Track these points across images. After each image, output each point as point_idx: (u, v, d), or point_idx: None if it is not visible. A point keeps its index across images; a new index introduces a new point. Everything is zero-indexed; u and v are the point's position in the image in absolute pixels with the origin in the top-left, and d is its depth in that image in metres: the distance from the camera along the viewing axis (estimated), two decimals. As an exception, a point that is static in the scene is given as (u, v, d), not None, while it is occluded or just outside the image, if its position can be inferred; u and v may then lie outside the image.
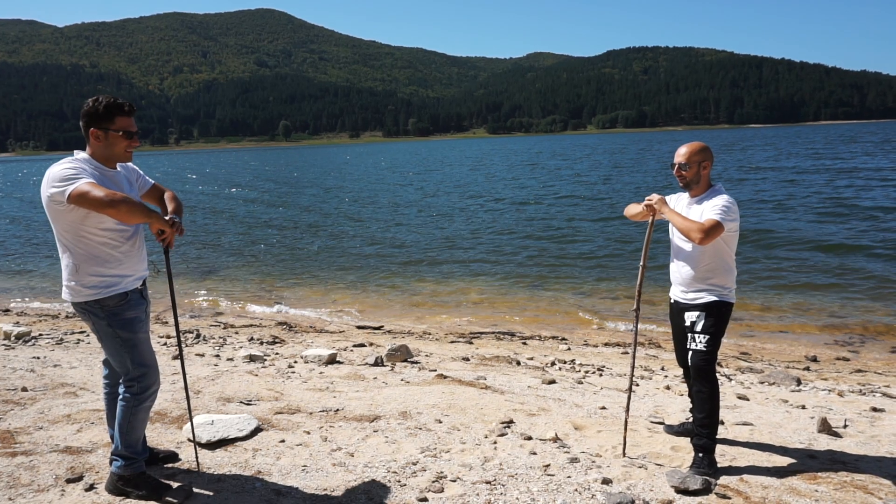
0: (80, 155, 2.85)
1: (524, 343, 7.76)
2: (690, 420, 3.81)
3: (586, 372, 5.99)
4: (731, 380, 5.77)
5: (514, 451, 3.63)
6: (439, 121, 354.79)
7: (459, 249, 14.73)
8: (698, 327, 3.43)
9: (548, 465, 3.41)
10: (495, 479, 3.24)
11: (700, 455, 3.38)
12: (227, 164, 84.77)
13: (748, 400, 4.90)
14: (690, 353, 3.46)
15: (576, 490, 3.14)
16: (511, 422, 4.10)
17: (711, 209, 3.36)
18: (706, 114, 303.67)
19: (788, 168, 34.74)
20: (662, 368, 6.24)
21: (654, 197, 3.53)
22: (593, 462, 3.48)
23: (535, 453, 3.58)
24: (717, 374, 5.92)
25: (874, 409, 4.69)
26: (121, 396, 2.99)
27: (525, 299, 10.22)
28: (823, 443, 3.87)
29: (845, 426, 4.21)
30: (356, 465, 3.42)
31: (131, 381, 2.96)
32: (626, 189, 27.51)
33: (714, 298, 3.44)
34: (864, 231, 14.55)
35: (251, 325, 8.93)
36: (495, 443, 3.75)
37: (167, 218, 2.93)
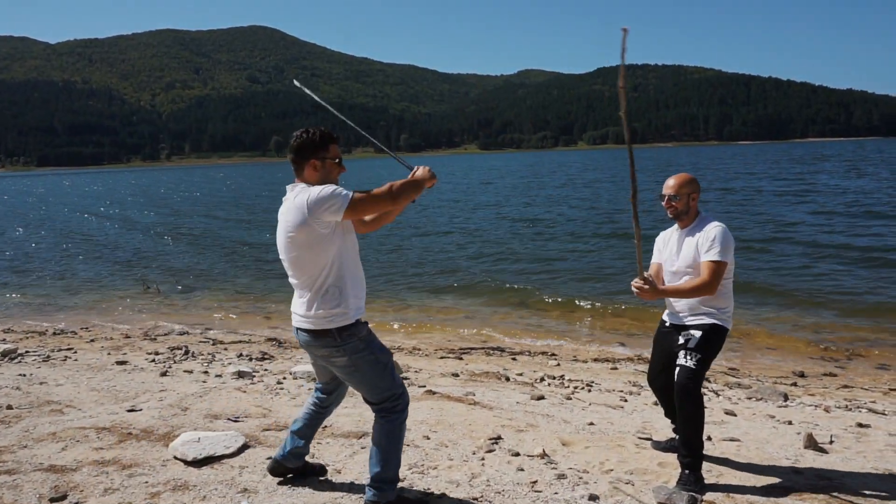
0: (303, 184, 2.88)
1: (514, 359, 7.76)
2: (674, 437, 3.82)
3: (575, 388, 6.00)
4: (718, 395, 5.79)
5: (501, 467, 3.63)
6: (431, 137, 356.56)
7: (453, 265, 14.75)
8: (691, 344, 3.43)
9: (535, 482, 3.41)
10: (482, 496, 3.24)
11: (686, 472, 3.36)
12: (217, 179, 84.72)
13: (735, 415, 4.92)
14: (678, 369, 3.42)
15: (563, 506, 3.14)
16: (499, 438, 4.10)
17: (706, 246, 3.41)
18: (696, 130, 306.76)
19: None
20: (651, 384, 6.26)
21: (644, 290, 3.45)
22: (580, 478, 3.48)
23: (522, 469, 3.58)
24: (705, 390, 5.96)
25: (860, 425, 4.72)
26: (387, 418, 2.96)
27: (516, 315, 10.23)
28: (809, 459, 3.89)
29: (831, 442, 4.24)
30: (343, 481, 3.41)
31: (398, 399, 2.97)
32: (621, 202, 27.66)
33: (712, 321, 3.47)
34: (854, 245, 14.69)
35: (240, 342, 8.89)
36: (483, 459, 3.75)
37: (418, 173, 3.02)
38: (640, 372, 7.01)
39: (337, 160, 2.93)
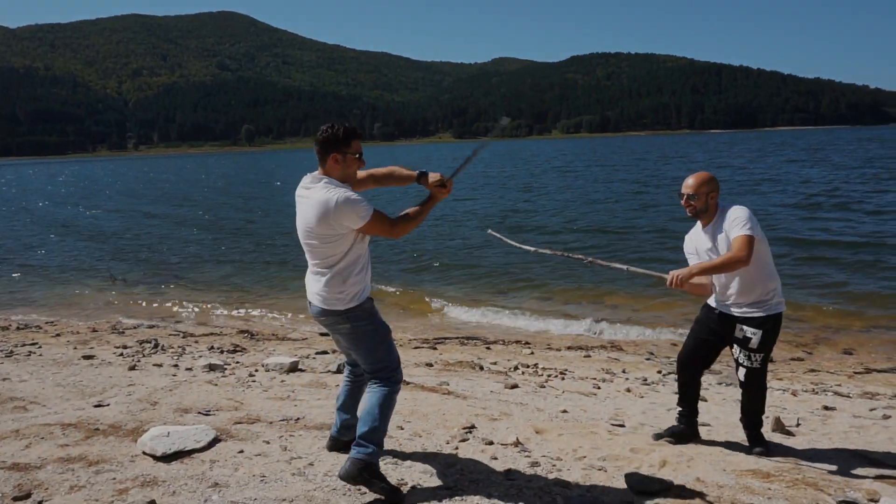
0: (325, 177, 3.07)
1: (488, 348, 7.79)
2: (677, 424, 4.00)
3: (549, 376, 6.04)
4: (689, 381, 5.87)
5: (475, 456, 3.63)
6: (405, 125, 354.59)
7: (427, 254, 14.72)
8: (753, 344, 3.53)
9: (509, 470, 3.42)
10: (456, 485, 3.24)
11: (754, 434, 3.80)
12: (189, 168, 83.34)
13: (706, 401, 5.00)
14: (744, 370, 3.63)
15: (536, 494, 3.16)
16: (473, 427, 4.10)
17: (733, 226, 3.43)
18: (668, 119, 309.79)
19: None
20: (623, 371, 6.33)
21: (675, 279, 3.47)
22: (554, 465, 3.50)
23: (496, 458, 3.59)
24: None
25: (825, 408, 4.84)
26: (380, 385, 3.20)
27: (491, 303, 10.25)
28: (777, 442, 3.96)
29: (798, 425, 4.33)
30: (316, 474, 3.37)
31: (392, 371, 3.23)
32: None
33: (766, 313, 3.55)
34: (827, 229, 14.99)
35: (212, 334, 8.77)
36: (457, 448, 3.74)
37: (435, 184, 3.24)
38: (612, 359, 7.09)
39: (357, 155, 3.10)
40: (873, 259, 12.03)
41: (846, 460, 3.66)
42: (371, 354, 3.21)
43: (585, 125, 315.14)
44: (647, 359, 7.10)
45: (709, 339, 3.76)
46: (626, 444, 3.86)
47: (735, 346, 3.63)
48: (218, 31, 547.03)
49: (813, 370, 6.69)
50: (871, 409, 4.86)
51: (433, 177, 3.25)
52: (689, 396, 3.95)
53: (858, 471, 3.51)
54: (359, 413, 3.26)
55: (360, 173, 3.28)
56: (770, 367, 6.79)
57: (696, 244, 3.74)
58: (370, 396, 3.20)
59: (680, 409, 4.00)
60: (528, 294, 10.71)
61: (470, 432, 4.01)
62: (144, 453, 3.57)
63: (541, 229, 18.16)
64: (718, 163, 46.57)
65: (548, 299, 10.36)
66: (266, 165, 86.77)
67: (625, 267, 3.96)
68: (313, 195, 3.01)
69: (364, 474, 3.04)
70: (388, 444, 3.78)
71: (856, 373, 6.57)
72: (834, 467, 3.56)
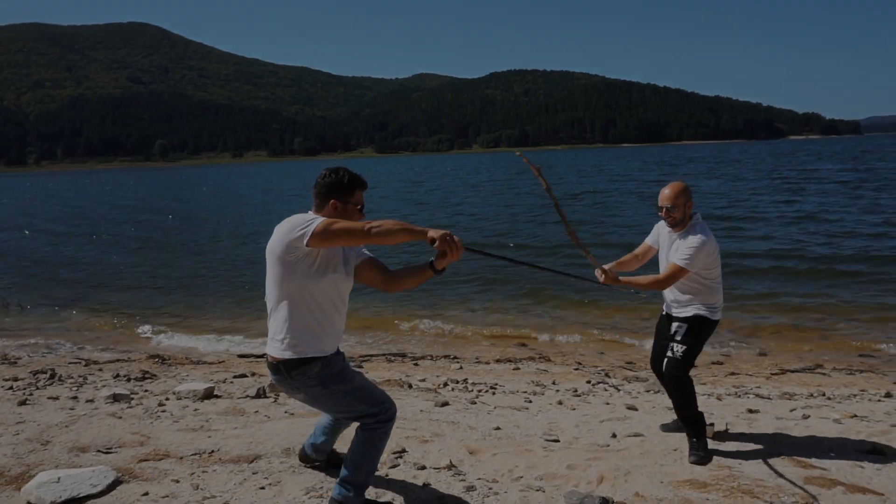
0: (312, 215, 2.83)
1: (416, 364, 7.56)
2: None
3: (479, 391, 5.88)
4: (619, 390, 5.86)
5: (407, 482, 3.41)
6: (326, 140, 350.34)
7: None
8: (678, 337, 3.80)
9: (442, 497, 3.22)
10: (387, 518, 3.01)
11: (694, 440, 3.78)
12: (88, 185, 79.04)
13: (637, 410, 4.97)
14: (666, 360, 3.80)
15: (473, 522, 2.97)
16: (403, 451, 3.88)
17: (680, 250, 3.73)
18: (583, 133, 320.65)
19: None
20: (554, 383, 6.26)
21: (604, 277, 3.78)
22: (490, 489, 3.33)
23: (429, 484, 3.38)
24: (606, 386, 6.03)
25: (750, 411, 4.90)
26: (363, 429, 2.95)
27: (417, 318, 10.04)
28: (711, 448, 3.94)
29: (726, 430, 4.34)
30: (231, 514, 3.06)
31: (373, 417, 2.94)
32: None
33: (696, 313, 3.81)
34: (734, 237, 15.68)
35: (118, 360, 8.12)
36: (387, 475, 3.51)
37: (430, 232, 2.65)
38: (541, 371, 7.02)
39: (359, 206, 2.90)
40: (771, 266, 12.67)
41: (776, 464, 3.68)
42: (344, 412, 3.03)
43: (505, 139, 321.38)
44: (576, 369, 7.08)
45: (662, 338, 4.04)
46: (563, 460, 3.74)
47: (669, 342, 3.87)
48: (128, 42, 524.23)
49: (733, 373, 6.84)
50: (791, 410, 4.97)
51: (435, 233, 2.64)
52: None
53: (788, 473, 3.53)
54: (347, 451, 3.01)
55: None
56: (693, 371, 6.92)
57: (661, 234, 4.03)
58: (356, 438, 2.97)
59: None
60: (456, 306, 10.57)
61: (400, 457, 3.79)
62: (30, 503, 3.14)
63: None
64: (635, 177, 48.39)
65: (473, 311, 10.26)
66: (183, 181, 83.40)
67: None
68: (287, 221, 2.77)
69: None
70: (312, 476, 3.51)
71: (772, 374, 6.77)
72: (766, 472, 3.56)
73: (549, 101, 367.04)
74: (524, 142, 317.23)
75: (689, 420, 3.81)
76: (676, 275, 3.69)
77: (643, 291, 3.99)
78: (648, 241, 4.16)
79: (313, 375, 2.81)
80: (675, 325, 3.86)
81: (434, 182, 53.63)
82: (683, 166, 61.17)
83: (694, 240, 3.72)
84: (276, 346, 2.83)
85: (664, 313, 4.10)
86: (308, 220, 2.68)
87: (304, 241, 2.64)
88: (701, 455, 3.71)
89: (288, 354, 2.79)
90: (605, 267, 3.84)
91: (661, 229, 4.05)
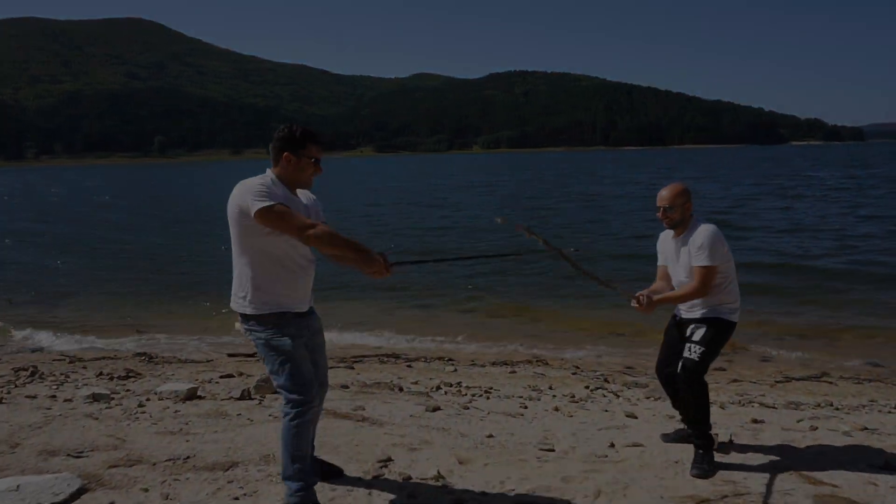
0: (271, 173, 2.90)
1: (409, 366, 7.36)
2: (684, 427, 3.94)
3: (473, 395, 5.68)
4: (619, 396, 5.66)
5: (391, 494, 3.20)
6: (325, 139, 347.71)
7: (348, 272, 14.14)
8: (696, 337, 3.62)
9: (429, 511, 3.01)
10: (369, 534, 2.80)
11: (700, 452, 3.60)
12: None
13: (636, 418, 4.77)
14: (682, 361, 3.61)
15: (460, 539, 2.76)
16: (389, 460, 3.67)
17: (695, 252, 3.56)
18: (584, 136, 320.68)
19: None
20: (550, 388, 6.05)
21: (643, 303, 3.65)
22: (478, 503, 3.12)
23: (414, 497, 3.17)
24: (605, 392, 5.82)
25: (755, 421, 4.70)
26: (283, 414, 2.96)
27: (411, 319, 9.84)
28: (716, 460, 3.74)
29: (731, 441, 4.14)
30: (202, 528, 2.85)
31: (288, 399, 2.94)
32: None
33: (715, 315, 3.66)
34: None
35: (104, 358, 7.90)
36: (370, 487, 3.30)
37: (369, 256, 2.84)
38: (538, 374, 6.82)
39: (313, 160, 2.93)
40: (771, 266, 12.50)
41: (784, 479, 3.46)
42: (272, 374, 2.97)
43: (505, 141, 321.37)
44: (574, 373, 6.87)
45: (673, 343, 3.86)
46: (558, 471, 3.53)
47: (685, 343, 3.68)
48: (126, 38, 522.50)
49: (736, 380, 6.64)
50: (798, 421, 4.77)
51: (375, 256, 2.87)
52: (678, 400, 3.96)
53: (797, 490, 3.32)
54: None
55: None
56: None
57: (665, 247, 3.88)
58: (281, 426, 2.98)
59: (679, 412, 4.04)
60: (452, 307, 10.37)
61: (386, 466, 3.57)
62: (-15, 513, 2.93)
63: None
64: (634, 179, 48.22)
65: (470, 312, 10.07)
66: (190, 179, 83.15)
67: (596, 275, 3.94)
68: (246, 182, 2.83)
69: None
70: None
71: (777, 381, 6.58)
72: (773, 488, 3.35)
73: (550, 103, 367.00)
74: (524, 143, 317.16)
75: (701, 429, 3.63)
76: (708, 275, 3.54)
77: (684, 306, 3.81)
78: (660, 262, 3.98)
79: (267, 327, 2.89)
80: (691, 326, 3.70)
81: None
82: (680, 169, 61.05)
83: (700, 234, 3.57)
84: (238, 302, 2.94)
85: (676, 317, 3.92)
86: (257, 192, 2.73)
87: (250, 215, 2.74)
88: (705, 468, 3.52)
89: (249, 310, 2.90)
90: (639, 294, 3.69)
91: (663, 244, 3.90)
